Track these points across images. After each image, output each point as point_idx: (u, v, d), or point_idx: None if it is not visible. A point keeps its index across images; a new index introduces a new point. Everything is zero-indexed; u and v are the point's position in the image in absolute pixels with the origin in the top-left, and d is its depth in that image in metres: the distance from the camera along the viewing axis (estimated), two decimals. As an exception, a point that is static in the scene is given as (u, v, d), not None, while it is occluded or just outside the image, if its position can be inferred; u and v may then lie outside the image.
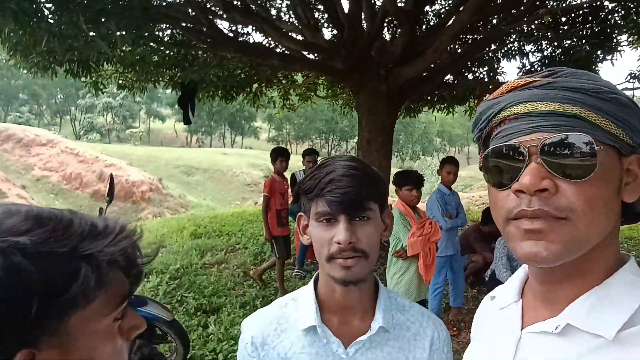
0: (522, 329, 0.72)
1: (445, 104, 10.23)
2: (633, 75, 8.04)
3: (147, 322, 2.92)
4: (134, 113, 74.41)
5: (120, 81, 9.04)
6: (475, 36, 8.61)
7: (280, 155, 5.68)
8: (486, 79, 9.48)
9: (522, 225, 0.63)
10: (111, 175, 3.69)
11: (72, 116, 75.20)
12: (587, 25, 7.93)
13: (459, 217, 4.81)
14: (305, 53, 7.55)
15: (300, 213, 1.12)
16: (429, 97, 10.16)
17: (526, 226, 0.62)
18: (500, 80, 9.45)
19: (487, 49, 8.65)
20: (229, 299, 5.44)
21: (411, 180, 3.82)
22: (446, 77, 9.53)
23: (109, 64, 7.50)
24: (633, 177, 0.66)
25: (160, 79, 8.68)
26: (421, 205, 4.57)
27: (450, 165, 4.81)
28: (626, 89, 8.25)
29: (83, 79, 7.39)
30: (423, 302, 4.07)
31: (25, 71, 6.91)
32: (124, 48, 5.87)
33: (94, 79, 8.17)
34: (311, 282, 1.15)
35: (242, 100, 10.22)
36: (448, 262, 4.80)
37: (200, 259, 6.71)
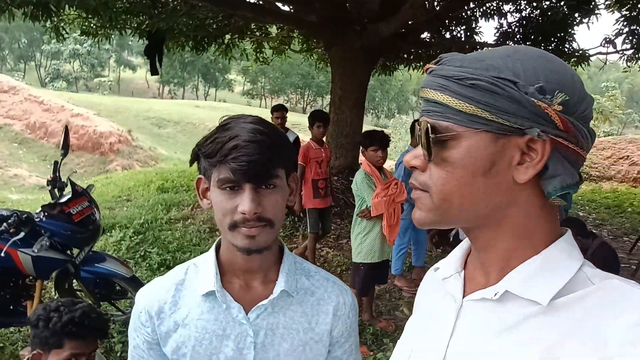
0: (463, 298, 0.76)
1: (422, 63, 10.04)
2: (607, 40, 8.02)
3: (106, 279, 2.82)
4: (103, 61, 71.71)
5: (84, 27, 8.59)
6: (453, -7, 8.39)
7: (317, 120, 5.06)
8: (463, 39, 9.33)
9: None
10: (66, 127, 3.51)
11: (37, 62, 72.02)
12: (566, -13, 7.84)
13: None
14: (278, 4, 7.26)
15: (200, 176, 1.03)
16: (405, 55, 9.98)
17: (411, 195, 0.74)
18: (477, 40, 9.34)
19: (465, 7, 8.48)
20: (194, 255, 5.35)
21: (377, 140, 3.75)
22: (423, 35, 9.36)
23: (70, 8, 7.07)
24: (529, 157, 0.67)
25: (127, 26, 8.27)
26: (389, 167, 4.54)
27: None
28: (600, 53, 8.26)
29: (43, 23, 6.98)
30: (386, 262, 4.10)
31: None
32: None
33: (54, 23, 7.71)
34: (213, 247, 1.09)
35: (214, 52, 9.87)
36: (412, 222, 4.82)
37: (165, 214, 6.59)
